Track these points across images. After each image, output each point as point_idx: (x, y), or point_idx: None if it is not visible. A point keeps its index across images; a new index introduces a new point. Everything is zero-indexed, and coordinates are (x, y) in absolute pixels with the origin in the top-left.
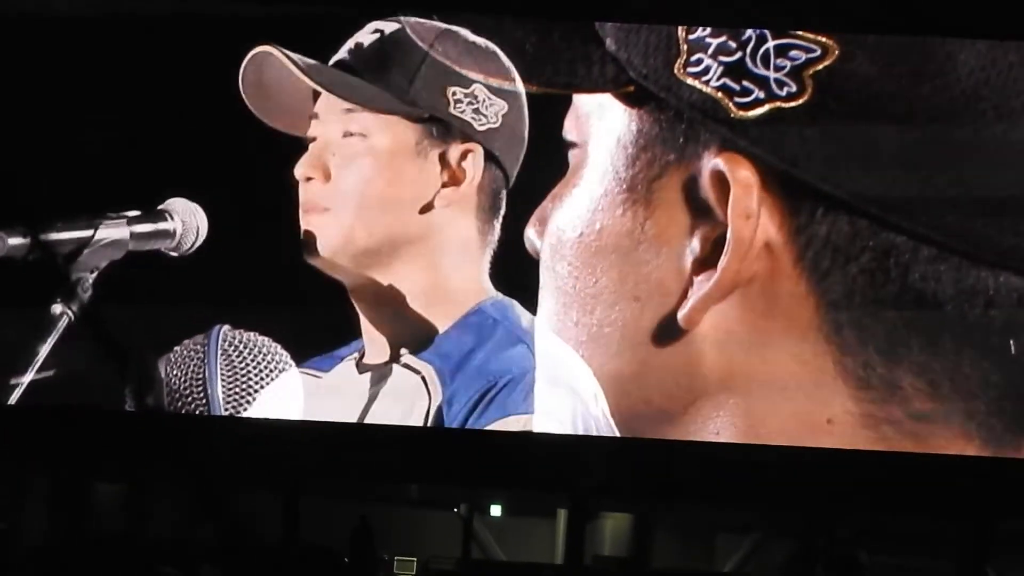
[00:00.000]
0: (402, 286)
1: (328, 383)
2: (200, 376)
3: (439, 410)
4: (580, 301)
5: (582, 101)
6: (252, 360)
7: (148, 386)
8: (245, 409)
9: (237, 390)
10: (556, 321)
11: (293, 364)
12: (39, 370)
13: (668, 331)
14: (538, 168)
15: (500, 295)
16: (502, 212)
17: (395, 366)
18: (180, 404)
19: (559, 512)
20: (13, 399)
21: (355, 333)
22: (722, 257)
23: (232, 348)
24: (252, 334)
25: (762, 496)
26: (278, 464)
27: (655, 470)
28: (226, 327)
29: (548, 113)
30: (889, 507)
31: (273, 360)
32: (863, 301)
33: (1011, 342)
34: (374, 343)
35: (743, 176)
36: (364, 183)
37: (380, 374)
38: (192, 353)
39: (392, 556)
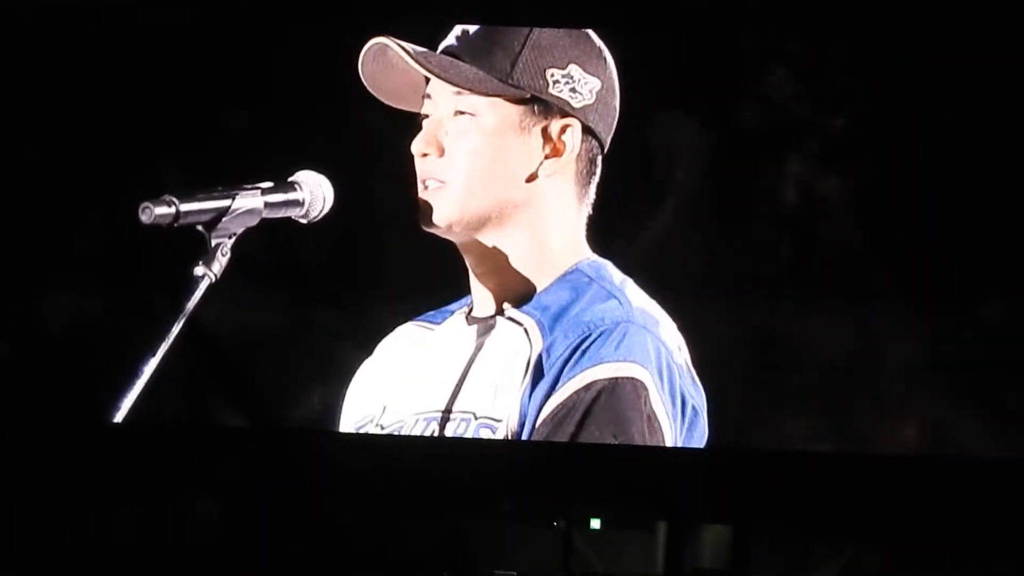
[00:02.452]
0: (507, 248)
1: (440, 334)
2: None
3: (539, 358)
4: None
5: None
6: None
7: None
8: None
9: None
10: None
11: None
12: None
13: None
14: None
15: (595, 256)
16: (597, 177)
17: (499, 319)
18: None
19: (658, 525)
20: (145, 377)
21: (464, 290)
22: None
23: None
24: None
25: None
26: (368, 478)
27: (752, 480)
28: None
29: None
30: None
31: None
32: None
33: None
34: (481, 299)
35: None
36: (474, 157)
37: (487, 326)
38: None
39: (491, 571)
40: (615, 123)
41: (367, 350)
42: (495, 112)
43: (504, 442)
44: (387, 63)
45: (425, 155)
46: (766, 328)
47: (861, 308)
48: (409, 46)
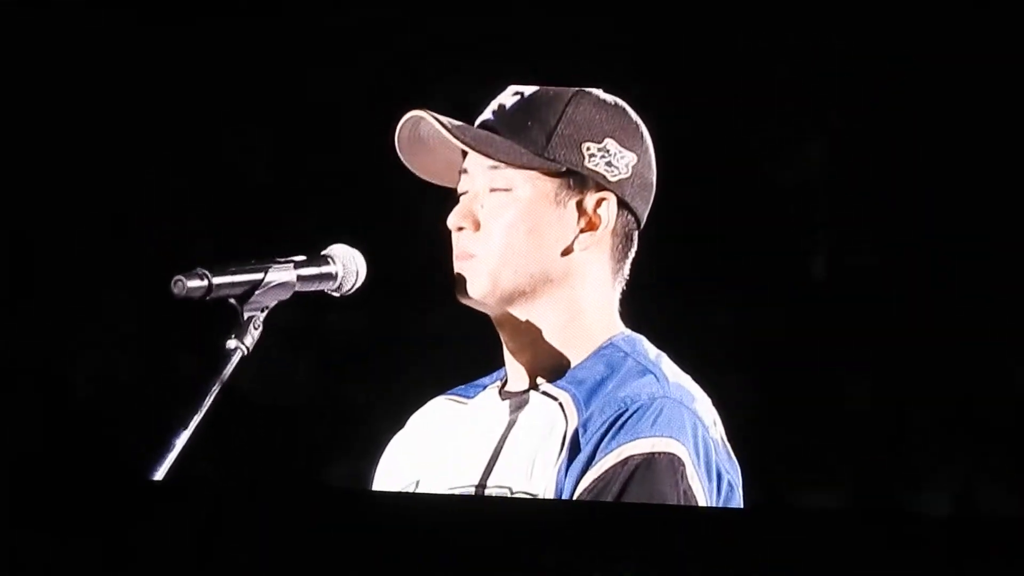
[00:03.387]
0: (541, 322)
1: (473, 408)
2: None
3: (575, 432)
4: None
5: None
6: None
7: None
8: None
9: None
10: None
11: None
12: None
13: None
14: None
15: (629, 331)
16: (633, 253)
17: (533, 393)
18: None
19: None
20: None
21: (496, 364)
22: None
23: None
24: None
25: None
26: (402, 535)
27: (785, 539)
28: None
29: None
30: None
31: None
32: None
33: None
34: (515, 373)
35: None
36: (509, 230)
37: (521, 400)
38: None
39: None
40: (652, 198)
41: (396, 422)
42: (530, 186)
43: (537, 502)
44: (422, 139)
45: (461, 229)
46: (798, 399)
47: (892, 377)
48: (445, 119)
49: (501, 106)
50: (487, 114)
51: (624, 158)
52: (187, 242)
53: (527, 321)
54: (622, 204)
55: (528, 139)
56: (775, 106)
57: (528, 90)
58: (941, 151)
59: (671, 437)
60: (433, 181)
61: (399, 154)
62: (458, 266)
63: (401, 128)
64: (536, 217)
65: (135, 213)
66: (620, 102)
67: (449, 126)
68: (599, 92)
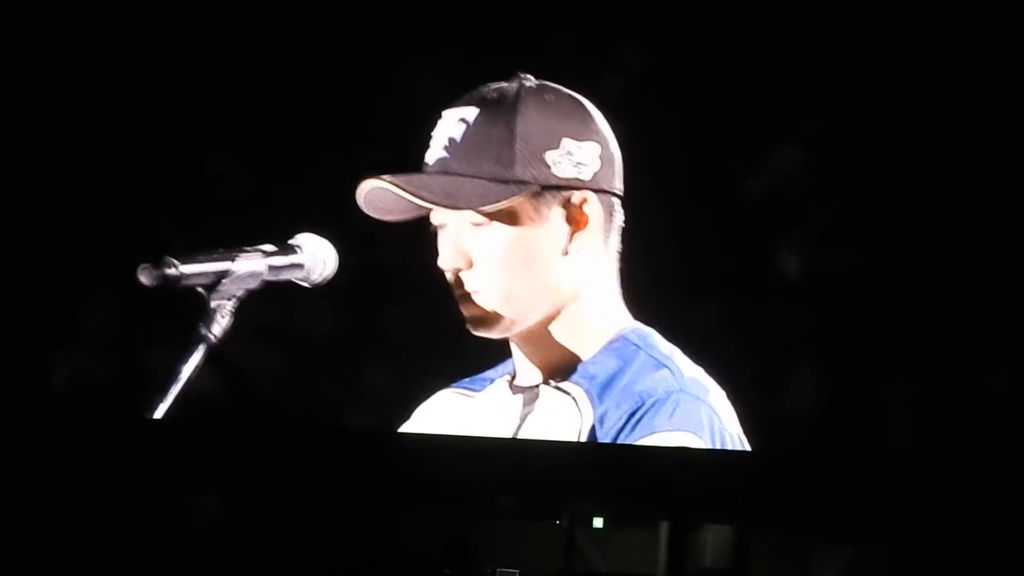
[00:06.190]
0: (551, 325)
1: (482, 402)
2: None
3: (592, 429)
4: None
5: None
6: None
7: None
8: None
9: None
10: None
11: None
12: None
13: None
14: None
15: (638, 324)
16: (619, 221)
17: (545, 388)
18: None
19: (661, 524)
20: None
21: (503, 354)
22: None
23: None
24: None
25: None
26: (373, 474)
27: (756, 482)
28: None
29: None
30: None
31: None
32: None
33: None
34: (524, 367)
35: None
36: (505, 266)
37: (532, 395)
38: None
39: (494, 568)
40: (621, 165)
41: (385, 417)
42: (510, 214)
43: (510, 442)
44: (382, 192)
45: (456, 269)
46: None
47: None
48: (403, 179)
49: (451, 140)
50: (438, 150)
51: (586, 151)
52: (154, 232)
53: (537, 325)
54: (600, 191)
55: (491, 170)
56: (763, 105)
57: (470, 114)
58: (940, 149)
59: (689, 431)
60: (406, 219)
61: (365, 212)
62: (465, 303)
63: (359, 194)
64: (526, 244)
65: (105, 204)
66: (555, 88)
67: (411, 188)
68: (532, 84)
